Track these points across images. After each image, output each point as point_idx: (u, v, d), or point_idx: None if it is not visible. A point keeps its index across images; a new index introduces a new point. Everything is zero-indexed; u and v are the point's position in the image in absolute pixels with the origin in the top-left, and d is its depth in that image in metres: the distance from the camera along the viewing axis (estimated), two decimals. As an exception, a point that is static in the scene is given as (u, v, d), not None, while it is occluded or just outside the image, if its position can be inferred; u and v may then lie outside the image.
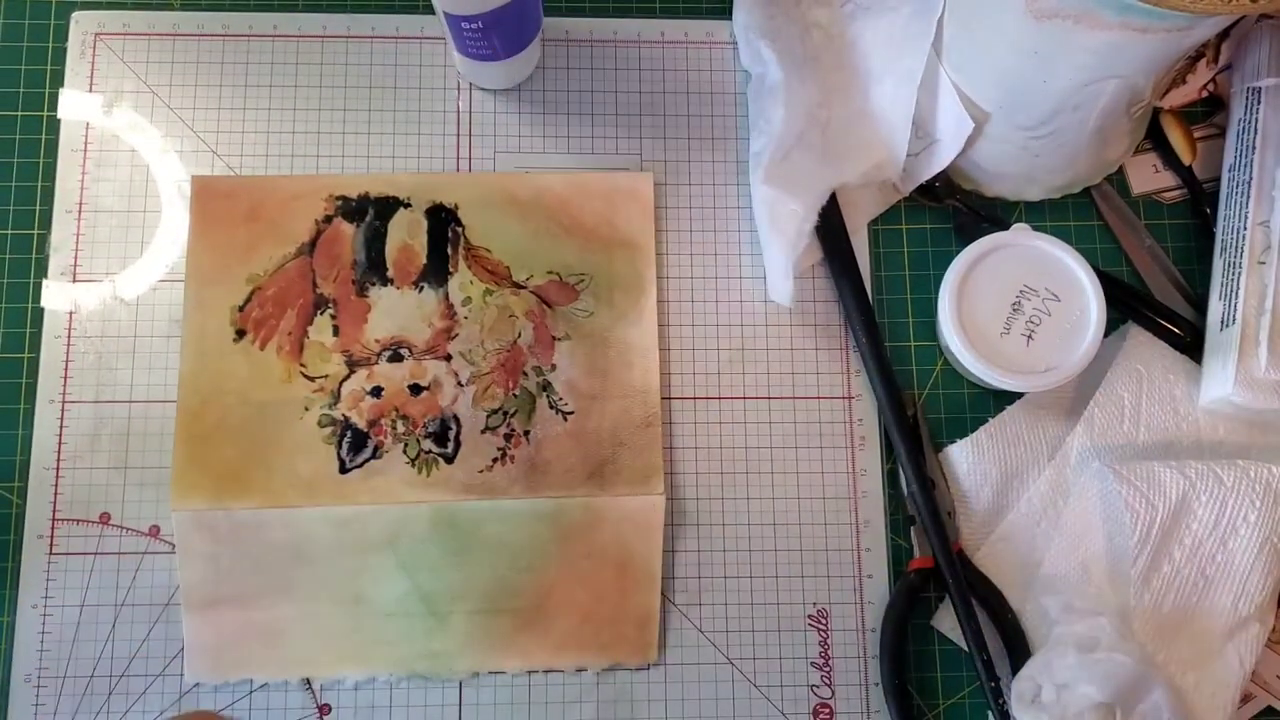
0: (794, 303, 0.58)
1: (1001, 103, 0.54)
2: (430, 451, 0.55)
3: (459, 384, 0.56)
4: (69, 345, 0.56)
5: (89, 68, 0.59)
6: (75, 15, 0.59)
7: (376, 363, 0.56)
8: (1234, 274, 0.55)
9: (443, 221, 0.58)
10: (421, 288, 0.57)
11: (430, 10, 0.61)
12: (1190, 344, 0.57)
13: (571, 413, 0.56)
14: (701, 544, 0.56)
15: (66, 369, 0.55)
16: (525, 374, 0.56)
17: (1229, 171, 0.58)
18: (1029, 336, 0.55)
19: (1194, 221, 0.61)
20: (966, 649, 0.54)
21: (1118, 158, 0.60)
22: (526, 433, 0.55)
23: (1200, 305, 0.58)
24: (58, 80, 0.59)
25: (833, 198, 0.57)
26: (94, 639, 0.53)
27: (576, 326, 0.57)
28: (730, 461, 0.57)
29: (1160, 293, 0.59)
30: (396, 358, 0.56)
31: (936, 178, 0.58)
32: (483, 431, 0.55)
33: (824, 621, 0.55)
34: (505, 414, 0.55)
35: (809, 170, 0.56)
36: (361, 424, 0.55)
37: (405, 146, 0.59)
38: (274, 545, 0.53)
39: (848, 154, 0.57)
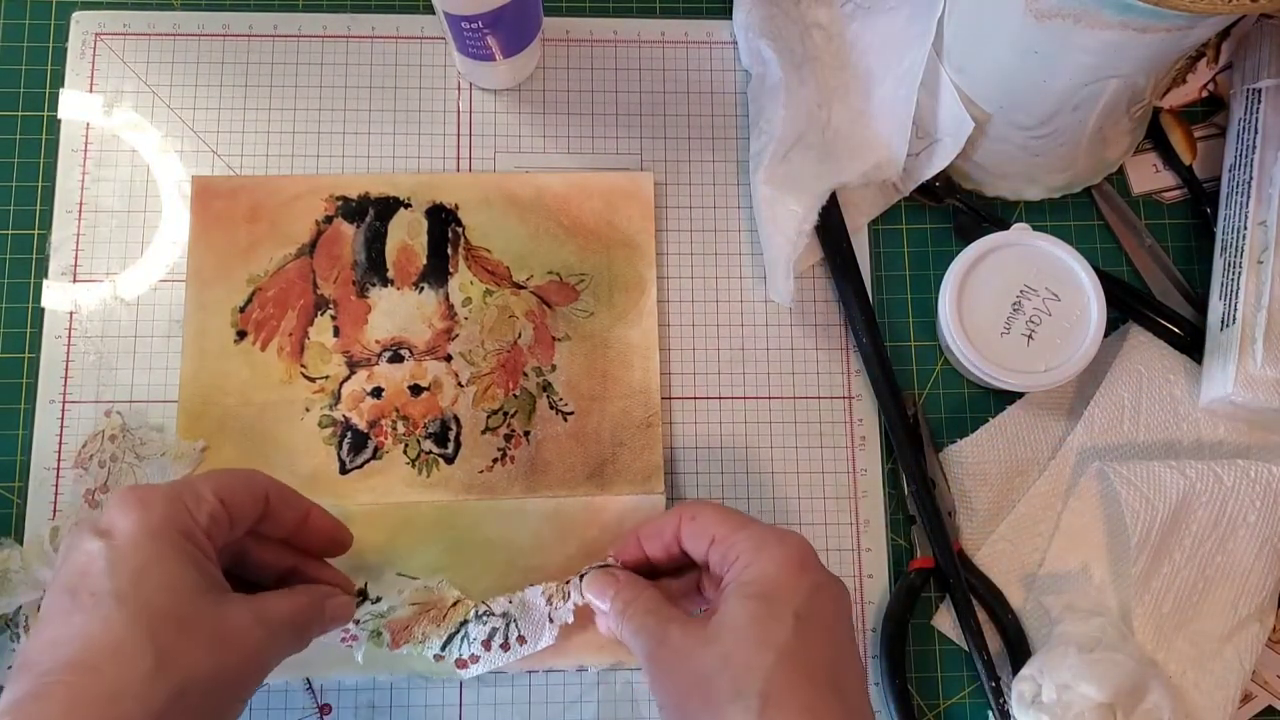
0: (794, 303, 0.58)
1: (1001, 103, 0.54)
2: (430, 452, 0.55)
3: (459, 384, 0.56)
4: (69, 345, 0.56)
5: (89, 68, 0.59)
6: (75, 15, 0.59)
7: (377, 363, 0.56)
8: (1234, 274, 0.55)
9: (443, 222, 0.58)
10: (422, 288, 0.57)
11: (430, 10, 0.61)
12: (1190, 344, 0.57)
13: (572, 413, 0.56)
14: (702, 544, 0.56)
15: (67, 369, 0.55)
16: (525, 374, 0.56)
17: (1229, 171, 0.58)
18: (1029, 336, 0.55)
19: (1194, 221, 0.61)
20: (966, 649, 0.54)
21: (1118, 157, 0.60)
22: (527, 433, 0.55)
23: (1200, 305, 0.58)
24: (58, 80, 0.59)
25: (833, 198, 0.57)
26: (94, 639, 0.53)
27: (576, 327, 0.57)
28: (730, 461, 0.57)
29: (1160, 293, 0.59)
30: (397, 358, 0.56)
31: (937, 178, 0.58)
32: (483, 432, 0.55)
33: (824, 621, 0.55)
34: (505, 414, 0.55)
35: (809, 170, 0.56)
36: (362, 425, 0.55)
37: (405, 146, 0.59)
38: (274, 545, 0.53)
39: (848, 154, 0.57)
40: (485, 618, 0.51)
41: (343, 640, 0.51)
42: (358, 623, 0.50)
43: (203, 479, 0.42)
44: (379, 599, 0.51)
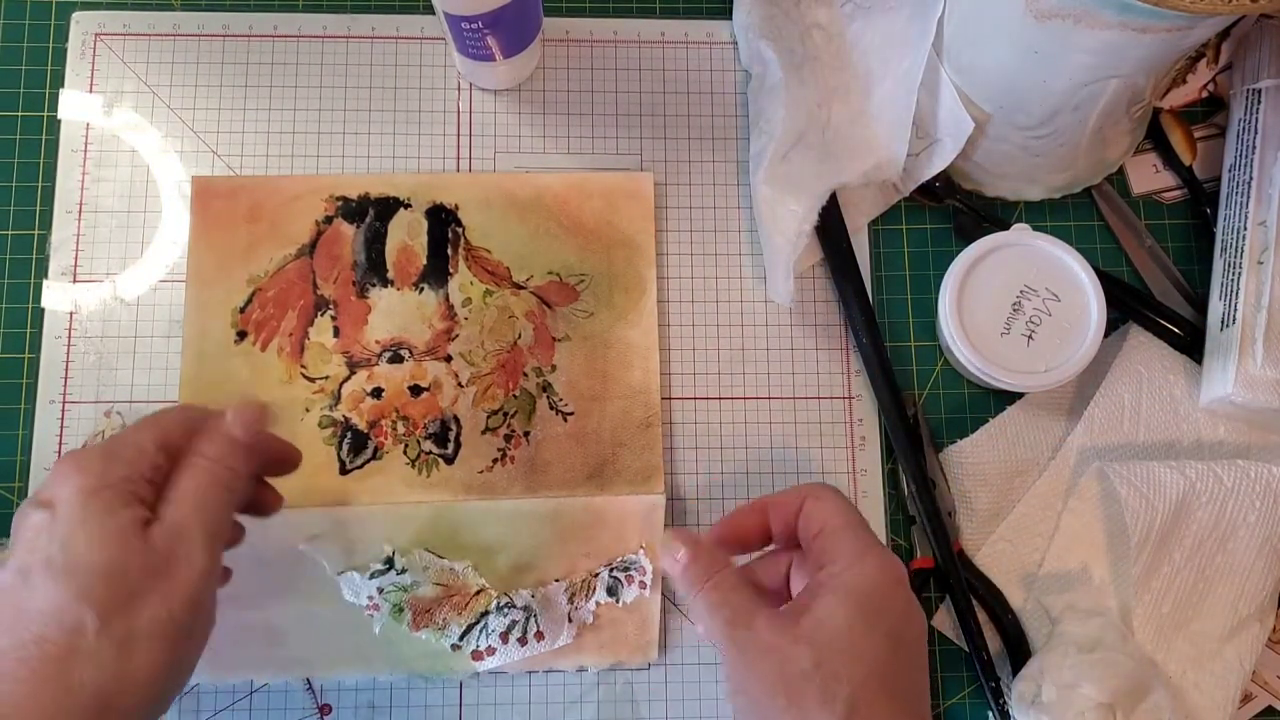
0: (794, 303, 0.58)
1: (1001, 103, 0.54)
2: (430, 452, 0.55)
3: (459, 385, 0.56)
4: (69, 345, 0.56)
5: (89, 68, 0.59)
6: (75, 15, 0.59)
7: (377, 364, 0.56)
8: (1234, 274, 0.55)
9: (443, 222, 0.58)
10: (422, 289, 0.57)
11: (430, 10, 0.61)
12: (1190, 344, 0.57)
13: (571, 413, 0.56)
14: (702, 544, 0.56)
15: (67, 369, 0.55)
16: (525, 375, 0.56)
17: (1229, 171, 0.58)
18: (1029, 336, 0.55)
19: (1194, 221, 0.61)
20: (966, 649, 0.54)
21: (1118, 158, 0.60)
22: (526, 433, 0.55)
23: (1200, 305, 0.58)
24: (58, 80, 0.59)
25: (833, 198, 0.57)
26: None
27: (576, 327, 0.57)
28: (730, 461, 0.57)
29: (1160, 293, 0.59)
30: (397, 359, 0.56)
31: (937, 178, 0.58)
32: (483, 432, 0.55)
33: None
34: (505, 415, 0.55)
35: (809, 170, 0.56)
36: (362, 425, 0.55)
37: (405, 146, 0.59)
38: (274, 546, 0.53)
39: (848, 154, 0.57)
40: (506, 609, 0.52)
41: (366, 610, 0.51)
42: (381, 591, 0.51)
43: (138, 429, 0.42)
44: (404, 570, 0.52)
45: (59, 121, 0.58)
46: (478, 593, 0.52)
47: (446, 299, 0.56)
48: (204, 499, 0.41)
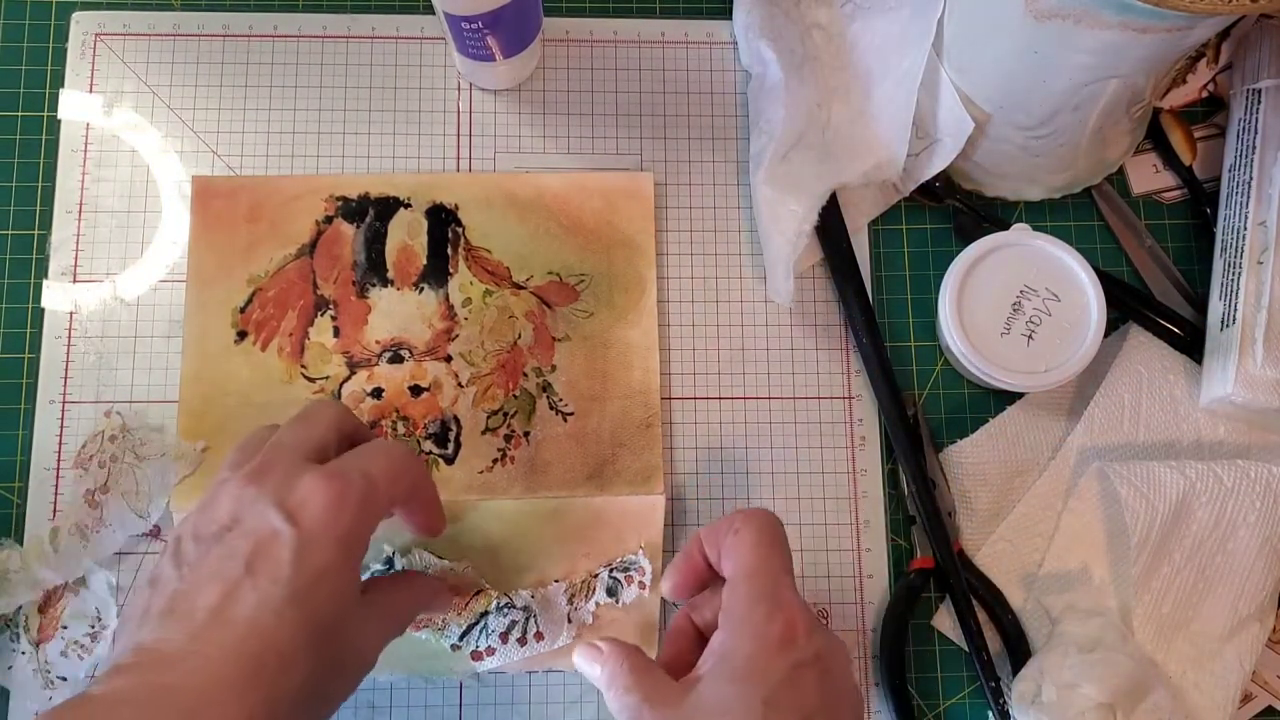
0: (794, 303, 0.58)
1: (1001, 103, 0.54)
2: (430, 453, 0.55)
3: (459, 385, 0.56)
4: (69, 345, 0.56)
5: (89, 68, 0.59)
6: (75, 15, 0.59)
7: (377, 364, 0.56)
8: (1234, 274, 0.55)
9: (443, 222, 0.58)
10: (422, 289, 0.57)
11: (430, 10, 0.61)
12: (1190, 344, 0.57)
13: (571, 413, 0.56)
14: (702, 544, 0.56)
15: (67, 369, 0.55)
16: (525, 375, 0.56)
17: (1229, 171, 0.58)
18: (1029, 336, 0.55)
19: (1194, 221, 0.61)
20: (966, 649, 0.54)
21: (1118, 158, 0.60)
22: (526, 433, 0.55)
23: (1200, 305, 0.58)
24: (58, 80, 0.59)
25: (833, 198, 0.57)
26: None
27: (576, 327, 0.57)
28: (730, 461, 0.57)
29: (1160, 293, 0.59)
30: (397, 359, 0.56)
31: (937, 178, 0.58)
32: (483, 432, 0.55)
33: (824, 621, 0.55)
34: (505, 415, 0.55)
35: (809, 170, 0.56)
36: (362, 425, 0.55)
37: (405, 146, 0.59)
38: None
39: (848, 154, 0.57)
40: (506, 610, 0.52)
41: None
42: None
43: (390, 483, 0.42)
44: (404, 571, 0.52)
45: (59, 121, 0.58)
46: (478, 593, 0.52)
47: (446, 299, 0.56)
48: (400, 627, 0.45)
